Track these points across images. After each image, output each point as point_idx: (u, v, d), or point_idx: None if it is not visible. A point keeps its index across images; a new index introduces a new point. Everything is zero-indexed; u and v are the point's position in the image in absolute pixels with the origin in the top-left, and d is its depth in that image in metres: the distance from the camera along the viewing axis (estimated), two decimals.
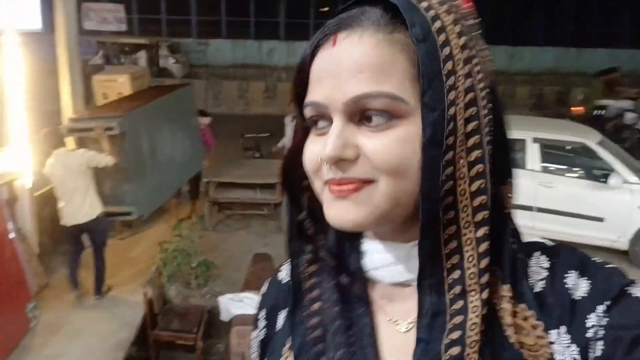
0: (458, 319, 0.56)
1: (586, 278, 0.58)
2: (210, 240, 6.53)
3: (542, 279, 0.59)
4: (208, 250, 5.94)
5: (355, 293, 0.66)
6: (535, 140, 6.37)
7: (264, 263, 4.58)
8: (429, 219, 0.56)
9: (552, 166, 6.49)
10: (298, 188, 0.68)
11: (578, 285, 0.57)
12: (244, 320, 3.65)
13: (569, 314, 0.56)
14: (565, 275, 0.58)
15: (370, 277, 0.66)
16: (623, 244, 6.31)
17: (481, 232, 0.56)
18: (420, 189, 0.56)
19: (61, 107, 5.75)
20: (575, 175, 6.53)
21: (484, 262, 0.56)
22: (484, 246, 0.56)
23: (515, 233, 0.62)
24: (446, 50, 0.55)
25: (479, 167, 0.56)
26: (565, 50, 19.73)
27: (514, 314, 0.57)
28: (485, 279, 0.56)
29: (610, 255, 6.43)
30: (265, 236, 6.84)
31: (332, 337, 0.64)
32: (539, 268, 0.60)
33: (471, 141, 0.56)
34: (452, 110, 0.55)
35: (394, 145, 0.55)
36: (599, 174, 6.32)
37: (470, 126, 0.56)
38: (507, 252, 0.59)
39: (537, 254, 0.62)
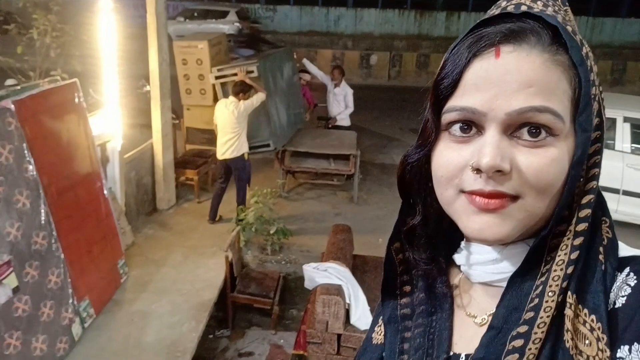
0: (529, 314, 0.58)
1: None
2: (284, 208, 6.65)
3: (624, 295, 0.58)
4: (282, 218, 6.06)
5: (440, 286, 0.72)
6: (626, 119, 6.03)
7: (344, 234, 4.61)
8: (550, 230, 0.59)
9: None
10: (416, 189, 0.70)
11: None
12: (329, 290, 3.71)
13: None
14: None
15: (463, 272, 0.71)
16: None
17: (578, 240, 0.59)
18: (557, 204, 0.59)
19: (150, 71, 5.90)
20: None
21: (571, 269, 0.58)
22: (575, 254, 0.58)
23: (612, 246, 0.62)
24: (592, 76, 0.60)
25: (593, 183, 0.60)
26: None
27: (583, 323, 0.57)
28: (566, 283, 0.58)
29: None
30: (336, 206, 6.89)
31: (417, 318, 0.72)
32: (624, 284, 0.59)
33: (592, 160, 0.61)
34: (593, 134, 0.60)
35: (549, 164, 0.57)
36: None
37: (594, 147, 0.61)
38: (579, 261, 0.59)
39: (628, 269, 0.60)
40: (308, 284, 3.98)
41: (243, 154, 5.88)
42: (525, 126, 0.58)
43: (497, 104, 0.57)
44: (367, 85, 13.10)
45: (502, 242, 0.62)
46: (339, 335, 3.76)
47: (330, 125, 7.78)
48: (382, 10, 19.15)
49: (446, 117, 0.62)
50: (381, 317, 0.79)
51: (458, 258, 0.71)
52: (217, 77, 6.75)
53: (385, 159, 8.17)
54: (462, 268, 0.71)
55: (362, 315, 3.83)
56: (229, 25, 16.20)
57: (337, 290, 3.72)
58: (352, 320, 3.81)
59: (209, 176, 7.00)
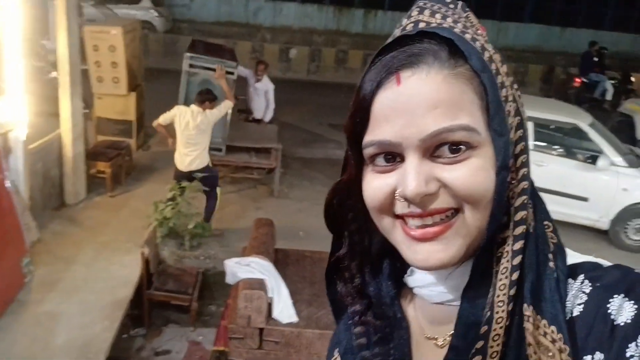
0: (484, 329, 0.57)
1: (633, 302, 0.55)
2: (202, 202, 6.49)
3: (581, 303, 0.58)
4: (201, 213, 5.92)
5: (393, 311, 0.71)
6: (529, 118, 6.46)
7: (267, 228, 4.59)
8: (490, 239, 0.59)
9: (543, 145, 6.62)
10: (343, 222, 0.71)
11: (622, 310, 0.55)
12: (251, 284, 3.69)
13: (608, 339, 0.55)
14: (610, 300, 0.56)
15: (416, 294, 0.70)
16: (604, 224, 6.54)
17: (518, 245, 0.58)
18: (491, 213, 0.58)
19: (57, 57, 5.53)
20: (565, 155, 6.68)
21: (515, 275, 0.57)
22: (517, 259, 0.58)
23: (560, 252, 0.62)
24: (499, 78, 0.60)
25: (524, 184, 0.60)
26: (549, 29, 19.82)
27: (544, 335, 0.56)
28: (513, 291, 0.57)
29: (590, 235, 6.68)
30: (257, 200, 6.84)
31: (373, 347, 0.70)
32: (579, 292, 0.59)
33: (519, 161, 0.60)
34: (512, 135, 0.59)
35: (474, 174, 0.57)
36: (587, 154, 6.49)
37: (519, 147, 0.60)
38: (530, 271, 0.59)
39: (582, 277, 0.60)
40: (230, 279, 3.93)
41: (209, 163, 5.68)
42: (443, 145, 0.57)
43: (409, 132, 0.57)
44: (286, 79, 13.06)
45: (448, 266, 0.61)
46: (261, 330, 3.75)
47: (250, 119, 7.70)
48: (302, 5, 19.18)
49: (366, 152, 0.62)
50: (337, 350, 0.77)
51: (410, 281, 0.70)
52: (190, 65, 6.36)
53: (305, 153, 8.22)
54: (415, 290, 0.70)
55: (284, 309, 3.84)
56: (142, 12, 15.55)
57: (260, 285, 3.70)
58: (275, 314, 3.81)
59: (123, 169, 6.68)
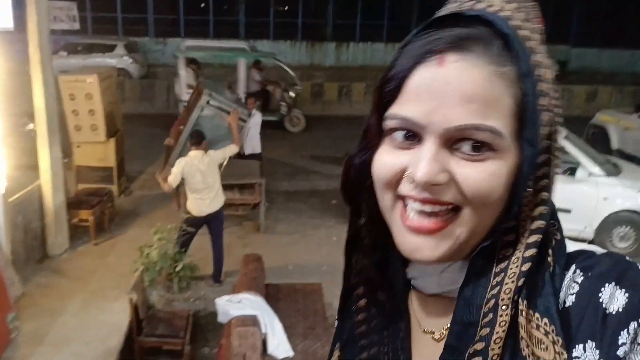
0: (485, 331, 0.57)
1: (624, 290, 0.55)
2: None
3: (573, 294, 0.58)
4: (187, 254, 5.84)
5: (395, 304, 0.69)
6: None
7: (256, 264, 4.55)
8: (493, 241, 0.59)
9: None
10: (360, 192, 0.68)
11: (613, 298, 0.55)
12: (244, 322, 3.63)
13: (600, 328, 0.55)
14: (602, 288, 0.56)
15: (413, 286, 0.69)
16: (589, 233, 6.61)
17: (529, 252, 0.58)
18: (500, 216, 0.58)
19: (34, 108, 5.52)
20: None
21: (522, 281, 0.57)
22: (526, 266, 0.57)
23: (560, 247, 0.62)
24: (541, 86, 0.57)
25: (545, 194, 0.59)
26: None
27: (537, 328, 0.56)
28: (517, 296, 0.57)
29: (576, 246, 6.72)
30: (243, 237, 6.80)
31: (373, 335, 0.69)
32: (572, 282, 0.59)
33: (540, 171, 0.59)
34: (541, 144, 0.58)
35: (487, 178, 0.56)
36: (565, 167, 6.60)
37: (542, 157, 0.59)
38: (530, 273, 0.58)
39: (574, 266, 0.60)
40: (222, 318, 3.86)
41: (222, 205, 5.61)
42: (466, 140, 0.56)
43: (436, 118, 0.56)
44: (264, 114, 13.17)
45: (434, 263, 0.60)
46: None
47: (242, 153, 7.69)
48: (275, 42, 19.50)
49: (387, 124, 0.60)
50: (337, 345, 0.76)
51: (409, 271, 0.69)
52: (208, 102, 6.48)
53: (289, 187, 8.24)
54: (412, 282, 0.69)
55: (279, 344, 3.77)
56: (117, 59, 15.64)
57: (253, 321, 3.65)
58: (270, 350, 3.74)
59: (106, 216, 6.61)
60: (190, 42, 13.34)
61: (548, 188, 0.59)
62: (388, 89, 0.60)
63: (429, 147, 0.57)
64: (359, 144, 0.66)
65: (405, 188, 0.59)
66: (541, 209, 0.58)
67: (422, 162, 0.56)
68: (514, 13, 0.59)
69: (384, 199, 0.62)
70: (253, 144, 7.71)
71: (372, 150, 0.63)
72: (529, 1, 0.61)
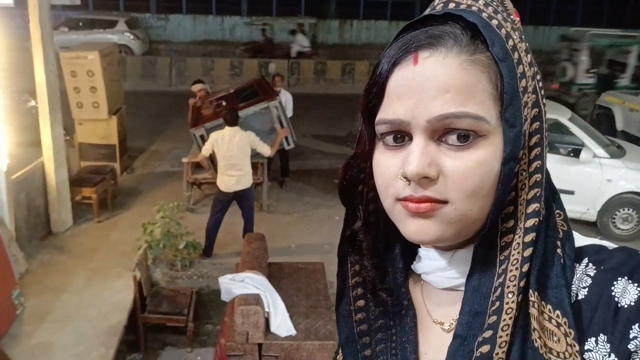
0: (493, 318, 0.58)
1: (636, 285, 0.56)
2: (191, 221, 6.42)
3: (585, 287, 0.59)
4: (190, 232, 5.87)
5: (398, 301, 0.71)
6: None
7: (258, 243, 4.57)
8: (491, 228, 0.60)
9: None
10: (356, 196, 0.71)
11: (626, 292, 0.56)
12: (247, 300, 3.65)
13: (612, 322, 0.56)
14: (614, 282, 0.57)
15: (424, 281, 0.71)
16: (592, 215, 6.61)
17: (529, 237, 0.59)
18: (493, 201, 0.59)
19: (36, 84, 5.48)
20: (548, 150, 6.75)
21: (526, 267, 0.58)
22: (528, 251, 0.58)
23: (569, 239, 0.63)
24: (520, 68, 0.59)
25: (537, 176, 0.60)
26: None
27: (549, 320, 0.57)
28: (523, 282, 0.58)
29: (579, 227, 6.74)
30: None
31: (375, 333, 0.71)
32: (584, 275, 0.60)
33: (533, 153, 0.60)
34: (526, 126, 0.59)
35: (475, 168, 0.57)
36: (569, 148, 6.57)
37: (534, 139, 0.60)
38: (538, 259, 0.59)
39: (586, 260, 0.61)
40: (225, 297, 3.89)
41: (252, 184, 5.81)
42: (451, 131, 0.57)
43: (418, 112, 0.57)
44: None
45: (441, 243, 0.62)
46: (260, 345, 3.71)
47: None
48: (276, 18, 19.30)
49: (378, 129, 0.62)
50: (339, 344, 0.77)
51: (418, 267, 0.70)
52: (275, 107, 6.81)
53: (291, 166, 8.21)
54: (422, 277, 0.70)
55: (281, 323, 3.80)
56: (118, 35, 15.51)
57: (256, 300, 3.67)
58: (272, 328, 3.77)
59: (109, 193, 6.62)
60: (595, 31, 13.26)
61: (540, 170, 0.60)
62: (372, 94, 0.62)
63: (417, 141, 0.59)
64: (354, 150, 0.69)
65: (400, 189, 0.60)
66: (535, 191, 0.59)
67: (412, 156, 0.58)
68: (483, 7, 0.61)
69: (386, 202, 0.64)
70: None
71: (366, 156, 0.66)
72: None
